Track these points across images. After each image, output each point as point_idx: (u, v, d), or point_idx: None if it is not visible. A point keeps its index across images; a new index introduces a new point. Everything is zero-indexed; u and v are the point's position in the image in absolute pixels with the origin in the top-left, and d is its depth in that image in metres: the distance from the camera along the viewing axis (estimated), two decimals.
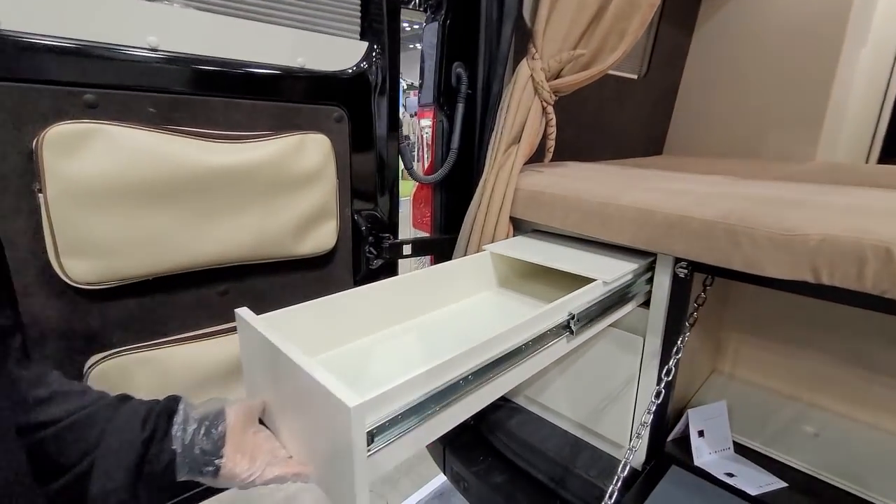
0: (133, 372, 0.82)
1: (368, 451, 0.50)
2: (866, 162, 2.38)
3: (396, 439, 0.53)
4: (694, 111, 2.44)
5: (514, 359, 0.70)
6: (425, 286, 0.97)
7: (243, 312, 0.66)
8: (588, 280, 0.91)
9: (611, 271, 0.94)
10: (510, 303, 1.08)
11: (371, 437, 0.50)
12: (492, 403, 1.45)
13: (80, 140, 0.71)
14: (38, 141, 0.69)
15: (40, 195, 0.70)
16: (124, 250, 0.77)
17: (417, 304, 0.95)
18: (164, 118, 0.80)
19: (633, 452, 0.85)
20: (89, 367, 0.80)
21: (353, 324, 0.83)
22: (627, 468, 0.82)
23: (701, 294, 0.99)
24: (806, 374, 1.36)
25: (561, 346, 0.83)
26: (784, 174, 1.49)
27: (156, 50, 0.79)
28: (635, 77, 2.14)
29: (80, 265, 0.75)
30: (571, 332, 0.82)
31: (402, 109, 1.21)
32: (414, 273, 0.95)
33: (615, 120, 2.10)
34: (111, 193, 0.74)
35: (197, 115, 0.84)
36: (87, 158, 0.72)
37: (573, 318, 0.81)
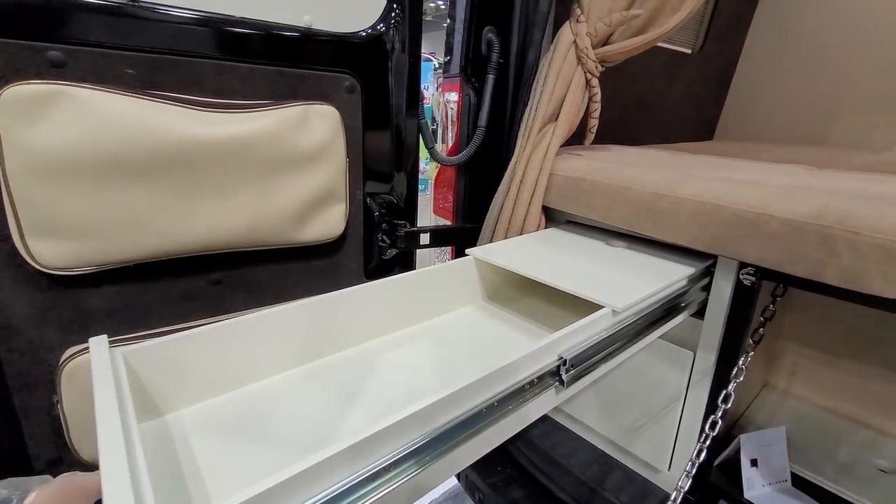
0: None
1: None
2: None
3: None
4: (753, 91, 2.19)
5: (468, 429, 0.48)
6: (385, 301, 0.74)
7: (96, 343, 0.51)
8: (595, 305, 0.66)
9: (640, 286, 0.74)
10: (493, 326, 0.82)
11: None
12: None
13: (42, 104, 0.61)
14: None
15: None
16: (99, 232, 0.68)
17: (366, 327, 0.73)
18: (143, 81, 0.69)
19: (679, 494, 0.71)
20: (63, 362, 0.72)
21: (260, 357, 0.62)
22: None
23: (769, 306, 0.83)
24: (878, 397, 1.18)
25: (546, 401, 0.58)
26: (867, 164, 1.27)
27: (136, 1, 0.67)
28: (689, 51, 1.91)
29: (49, 248, 0.66)
30: (562, 383, 0.58)
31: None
32: (374, 283, 0.72)
33: (663, 100, 1.89)
34: (81, 167, 0.64)
35: (182, 79, 0.72)
36: (51, 125, 0.62)
37: (564, 363, 0.57)
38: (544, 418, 1.26)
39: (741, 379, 0.79)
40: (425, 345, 0.75)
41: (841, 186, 0.83)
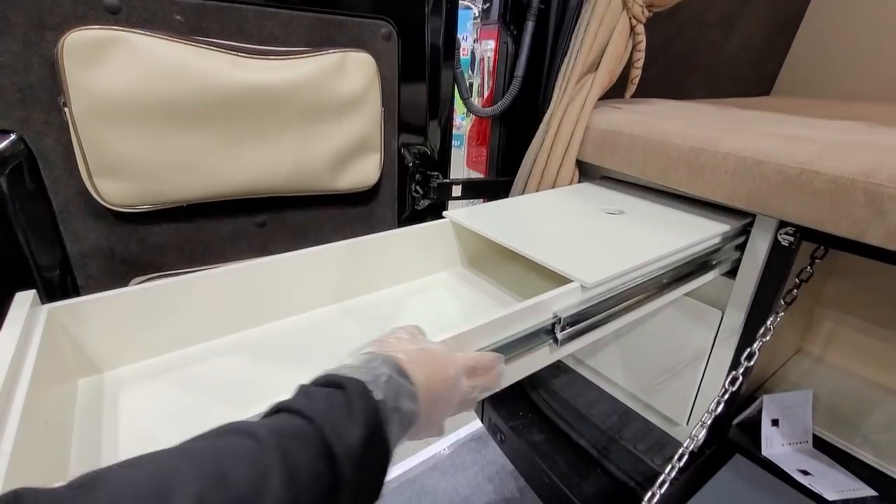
0: None
1: None
2: None
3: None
4: (821, 43, 2.00)
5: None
6: (348, 261, 0.72)
7: (20, 298, 0.52)
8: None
9: (683, 236, 0.75)
10: (466, 295, 0.80)
11: None
12: None
13: (101, 49, 0.65)
14: (58, 48, 0.63)
15: (66, 110, 0.66)
16: (155, 173, 0.73)
17: (329, 289, 0.72)
18: (191, 28, 0.72)
19: (693, 442, 0.74)
20: None
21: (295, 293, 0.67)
22: (685, 459, 0.72)
23: (807, 268, 0.81)
24: None
25: (542, 357, 0.60)
26: None
27: None
28: None
29: (112, 186, 0.72)
30: (556, 342, 0.59)
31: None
32: (336, 244, 0.71)
33: (717, 52, 1.76)
34: (137, 110, 0.69)
35: (227, 26, 0.75)
36: (109, 70, 0.66)
37: (558, 321, 0.57)
38: (567, 370, 1.30)
39: (767, 339, 0.78)
40: (386, 308, 0.76)
41: None
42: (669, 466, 0.75)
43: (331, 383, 0.35)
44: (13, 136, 0.66)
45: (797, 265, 0.82)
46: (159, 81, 0.69)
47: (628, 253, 0.69)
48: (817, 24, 1.99)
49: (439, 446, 1.75)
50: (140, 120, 0.70)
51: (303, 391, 0.35)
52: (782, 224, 0.79)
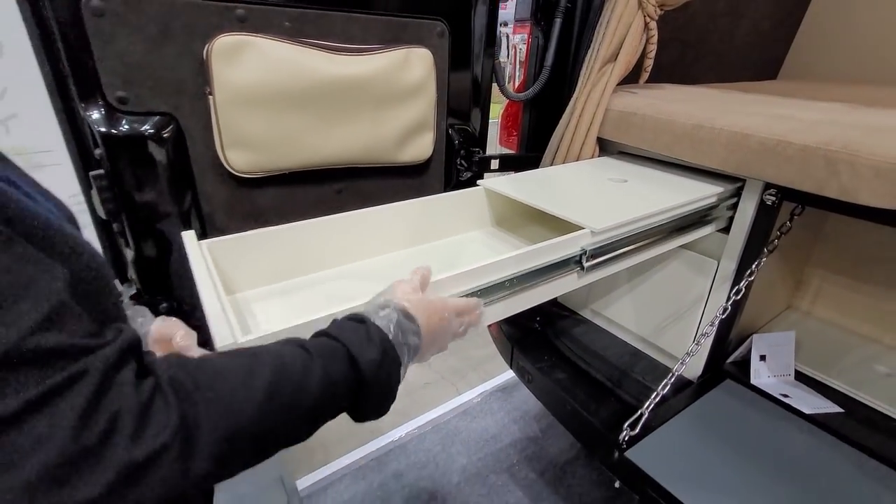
0: None
1: None
2: None
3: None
4: (825, 29, 2.13)
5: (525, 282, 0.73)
6: (402, 219, 0.96)
7: (187, 235, 0.74)
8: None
9: (682, 196, 0.95)
10: (498, 246, 1.02)
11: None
12: (558, 313, 1.56)
13: (237, 50, 0.85)
14: (206, 50, 0.84)
15: (210, 98, 0.86)
16: (270, 147, 0.94)
17: (387, 239, 0.95)
18: (297, 31, 0.92)
19: (689, 357, 0.94)
20: None
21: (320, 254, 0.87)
22: (681, 370, 0.92)
23: (787, 223, 1.00)
24: (892, 318, 1.32)
25: (569, 281, 0.81)
26: None
27: None
28: None
29: (238, 157, 0.93)
30: (582, 268, 0.79)
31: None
32: (392, 205, 0.94)
33: (727, 39, 1.91)
34: (260, 98, 0.89)
35: (321, 29, 0.94)
36: (243, 66, 0.86)
37: (585, 253, 0.78)
38: (584, 321, 1.51)
39: (753, 279, 0.98)
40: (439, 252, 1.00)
41: (869, 121, 0.96)
42: (662, 383, 0.96)
43: (355, 318, 0.50)
44: (169, 117, 0.87)
45: (780, 221, 1.01)
46: (276, 75, 0.89)
47: (634, 207, 0.89)
48: (822, 10, 2.11)
49: (470, 395, 1.98)
50: (261, 105, 0.90)
51: (336, 323, 0.50)
52: (767, 186, 0.97)
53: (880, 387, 1.16)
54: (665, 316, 1.25)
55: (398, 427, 1.83)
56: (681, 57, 1.75)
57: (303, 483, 1.61)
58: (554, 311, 1.56)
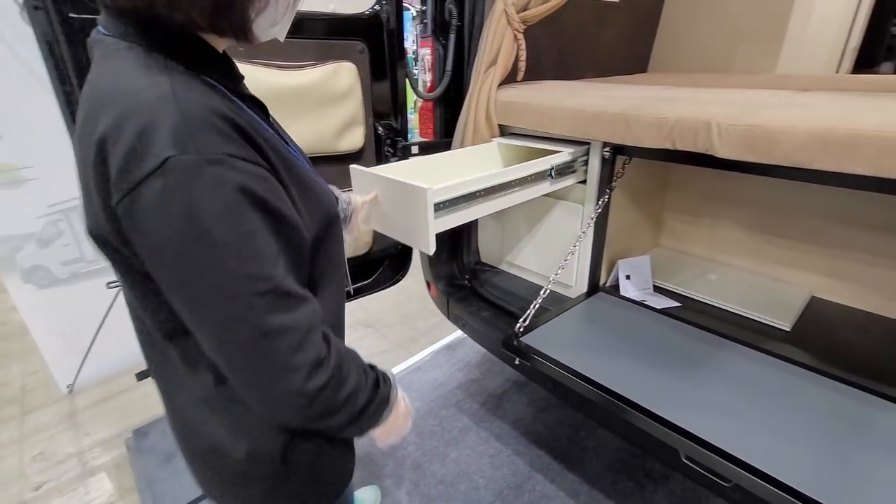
0: None
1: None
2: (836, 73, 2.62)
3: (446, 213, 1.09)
4: (676, 30, 2.67)
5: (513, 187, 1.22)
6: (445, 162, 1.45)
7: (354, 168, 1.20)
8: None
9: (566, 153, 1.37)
10: None
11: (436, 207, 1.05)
12: (481, 269, 1.93)
13: None
14: None
15: None
16: None
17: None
18: (250, 55, 1.22)
19: (561, 269, 1.33)
20: None
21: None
22: (554, 281, 1.30)
23: (620, 170, 1.42)
24: (720, 241, 1.80)
25: (544, 187, 1.32)
26: (731, 83, 1.82)
27: None
28: (616, 0, 2.38)
29: None
30: (552, 177, 1.33)
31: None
32: (434, 155, 1.46)
33: (596, 42, 2.37)
34: None
35: (269, 52, 1.25)
36: None
37: (553, 168, 1.32)
38: (499, 271, 1.88)
39: (601, 209, 1.38)
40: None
41: (661, 95, 1.39)
42: (542, 289, 1.34)
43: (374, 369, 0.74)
44: None
45: (616, 168, 1.42)
46: None
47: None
48: (674, 13, 2.66)
49: (421, 355, 2.30)
50: None
51: (367, 366, 0.73)
52: (604, 146, 1.38)
53: (709, 288, 1.61)
54: (556, 254, 1.65)
55: None
56: (560, 59, 2.19)
57: None
58: (478, 268, 1.93)
